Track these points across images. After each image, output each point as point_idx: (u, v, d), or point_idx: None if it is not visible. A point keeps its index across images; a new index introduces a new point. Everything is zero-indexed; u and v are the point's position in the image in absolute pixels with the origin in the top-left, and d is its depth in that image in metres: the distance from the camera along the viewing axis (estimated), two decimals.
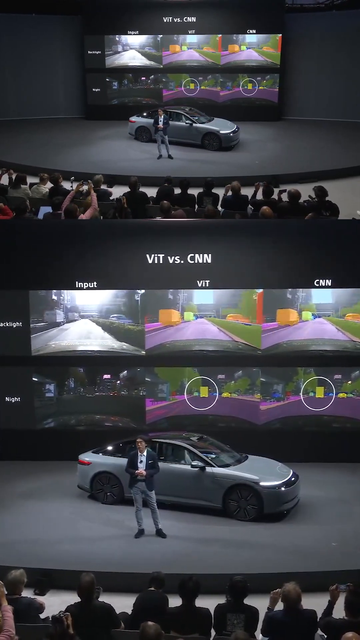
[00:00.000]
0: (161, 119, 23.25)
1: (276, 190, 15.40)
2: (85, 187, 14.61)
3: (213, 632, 8.65)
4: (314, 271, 13.39)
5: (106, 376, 14.02)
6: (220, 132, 24.67)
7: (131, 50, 28.26)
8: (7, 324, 13.73)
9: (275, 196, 15.11)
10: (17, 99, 28.52)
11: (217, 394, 13.95)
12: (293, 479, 12.44)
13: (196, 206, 16.32)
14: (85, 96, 28.62)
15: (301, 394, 13.88)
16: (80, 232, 13.60)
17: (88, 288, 13.57)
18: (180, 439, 13.06)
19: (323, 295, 13.62)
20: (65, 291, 13.74)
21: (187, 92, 28.38)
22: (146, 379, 14.01)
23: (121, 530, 12.01)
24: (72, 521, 12.37)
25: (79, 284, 13.56)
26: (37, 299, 13.73)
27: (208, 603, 8.78)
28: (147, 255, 13.33)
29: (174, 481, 12.42)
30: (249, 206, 15.04)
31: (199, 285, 13.48)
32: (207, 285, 13.49)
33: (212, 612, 8.67)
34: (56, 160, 23.28)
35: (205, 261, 13.34)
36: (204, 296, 13.71)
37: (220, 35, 27.80)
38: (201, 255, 13.30)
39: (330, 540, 11.62)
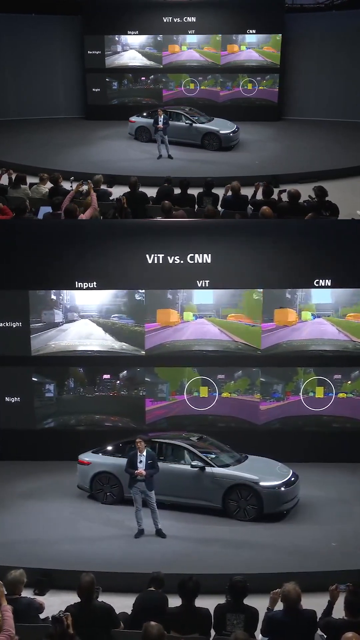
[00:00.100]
0: (161, 119, 23.25)
1: (276, 190, 15.39)
2: (85, 187, 14.62)
3: (213, 632, 8.65)
4: (313, 271, 13.39)
5: (106, 376, 14.02)
6: (220, 132, 24.68)
7: (131, 50, 28.27)
8: (7, 324, 13.74)
9: (275, 196, 15.11)
10: (17, 99, 28.52)
11: (217, 394, 13.95)
12: (293, 479, 12.44)
13: (196, 206, 16.32)
14: (85, 96, 28.63)
15: (301, 394, 13.88)
16: (80, 232, 13.60)
17: (88, 288, 13.57)
18: (180, 439, 13.06)
19: (323, 295, 13.62)
20: (65, 291, 13.74)
21: (187, 92, 28.38)
22: (146, 379, 14.00)
23: (121, 530, 12.01)
24: (72, 521, 12.37)
25: (79, 284, 13.56)
26: (36, 299, 13.73)
27: (208, 603, 8.78)
28: (147, 255, 13.33)
29: (174, 481, 12.42)
30: (249, 206, 15.04)
31: (199, 285, 13.48)
32: (207, 285, 13.49)
33: (212, 612, 8.67)
34: (56, 160, 23.28)
35: (205, 261, 13.33)
36: (203, 296, 13.71)
37: (220, 35, 27.80)
38: (201, 255, 13.30)
39: (330, 540, 11.62)
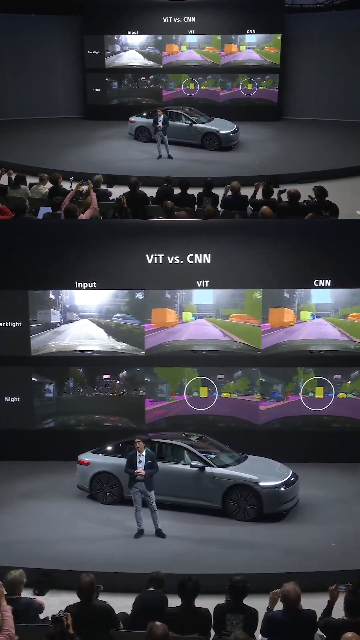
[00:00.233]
0: (161, 119, 23.25)
1: (276, 190, 15.38)
2: (84, 187, 14.61)
3: (212, 633, 8.64)
4: (313, 271, 13.39)
5: (106, 376, 14.02)
6: (220, 132, 24.67)
7: (131, 50, 28.27)
8: (6, 324, 13.74)
9: (275, 196, 15.10)
10: (17, 99, 28.52)
11: (217, 394, 13.95)
12: (292, 479, 12.44)
13: (196, 206, 16.32)
14: (85, 96, 28.63)
15: (301, 394, 13.88)
16: (80, 232, 13.60)
17: (88, 288, 13.57)
18: (180, 439, 13.06)
19: (322, 295, 13.62)
20: (64, 291, 13.74)
21: (186, 92, 28.38)
22: (146, 379, 14.01)
23: (121, 530, 12.01)
24: (71, 521, 12.37)
25: (79, 284, 13.56)
26: (35, 299, 13.72)
27: (207, 603, 8.77)
28: (147, 256, 13.33)
29: (174, 481, 12.42)
30: (249, 206, 15.03)
31: (199, 285, 13.49)
32: (207, 285, 13.49)
33: (211, 612, 8.67)
34: (56, 160, 23.28)
35: (204, 261, 13.34)
36: (203, 296, 13.71)
37: (220, 35, 27.80)
38: (201, 255, 13.30)
39: (329, 540, 11.62)
